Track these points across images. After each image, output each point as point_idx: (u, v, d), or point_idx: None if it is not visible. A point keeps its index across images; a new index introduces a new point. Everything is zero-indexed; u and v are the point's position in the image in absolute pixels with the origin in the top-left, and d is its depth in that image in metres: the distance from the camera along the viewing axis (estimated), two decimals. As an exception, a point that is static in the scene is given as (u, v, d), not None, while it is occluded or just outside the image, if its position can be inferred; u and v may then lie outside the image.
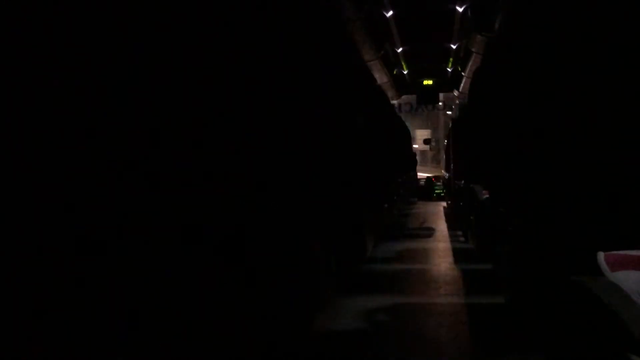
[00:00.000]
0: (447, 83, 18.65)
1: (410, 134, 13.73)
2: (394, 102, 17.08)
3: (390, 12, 12.36)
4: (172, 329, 1.22)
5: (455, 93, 18.00)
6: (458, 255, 4.97)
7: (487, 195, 3.84)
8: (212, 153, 1.41)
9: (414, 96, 19.77)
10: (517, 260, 2.48)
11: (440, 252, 5.26)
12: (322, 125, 2.78)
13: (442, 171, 15.65)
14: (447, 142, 12.83)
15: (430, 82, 19.33)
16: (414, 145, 17.57)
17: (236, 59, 1.58)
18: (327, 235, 2.88)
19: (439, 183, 14.98)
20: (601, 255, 1.36)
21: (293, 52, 2.25)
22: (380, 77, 13.38)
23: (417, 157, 15.98)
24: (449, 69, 17.79)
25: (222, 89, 1.47)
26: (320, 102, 2.74)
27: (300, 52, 2.39)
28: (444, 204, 11.59)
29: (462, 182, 5.92)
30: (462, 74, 15.19)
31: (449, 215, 8.81)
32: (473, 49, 11.90)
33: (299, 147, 2.28)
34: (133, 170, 1.08)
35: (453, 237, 6.20)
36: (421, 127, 20.23)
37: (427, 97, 19.66)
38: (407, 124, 14.32)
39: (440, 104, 20.04)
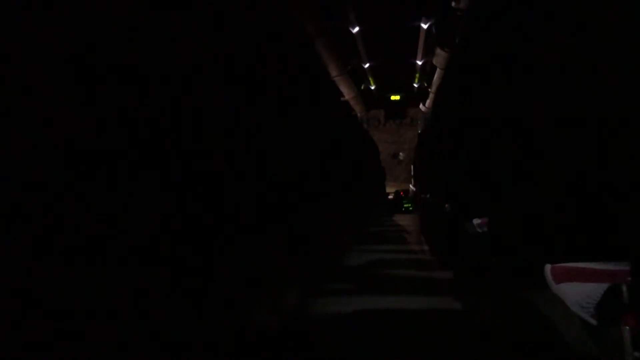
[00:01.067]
0: (415, 98, 18.99)
1: (378, 148, 13.85)
2: (362, 116, 17.24)
3: (357, 28, 12.54)
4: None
5: (422, 108, 18.31)
6: (423, 265, 5.03)
7: (450, 209, 3.89)
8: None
9: (382, 111, 20.05)
10: (473, 272, 2.51)
11: (405, 262, 5.32)
12: (287, 139, 2.77)
13: (410, 185, 15.83)
14: (414, 157, 12.99)
15: (397, 97, 19.66)
16: (382, 160, 17.71)
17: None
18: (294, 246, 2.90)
19: (407, 197, 15.12)
20: (548, 268, 1.38)
21: (258, 69, 2.25)
22: (348, 92, 13.52)
23: (386, 172, 16.13)
24: (415, 85, 18.11)
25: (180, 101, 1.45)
26: (285, 117, 2.75)
27: (265, 68, 2.39)
28: (413, 217, 11.68)
29: (428, 195, 5.97)
30: (429, 89, 15.48)
31: (417, 228, 8.88)
32: (437, 65, 12.16)
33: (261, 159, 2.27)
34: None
35: (420, 248, 6.26)
36: (389, 142, 20.46)
37: (395, 112, 19.97)
38: (375, 138, 14.44)
39: (408, 118, 20.35)
